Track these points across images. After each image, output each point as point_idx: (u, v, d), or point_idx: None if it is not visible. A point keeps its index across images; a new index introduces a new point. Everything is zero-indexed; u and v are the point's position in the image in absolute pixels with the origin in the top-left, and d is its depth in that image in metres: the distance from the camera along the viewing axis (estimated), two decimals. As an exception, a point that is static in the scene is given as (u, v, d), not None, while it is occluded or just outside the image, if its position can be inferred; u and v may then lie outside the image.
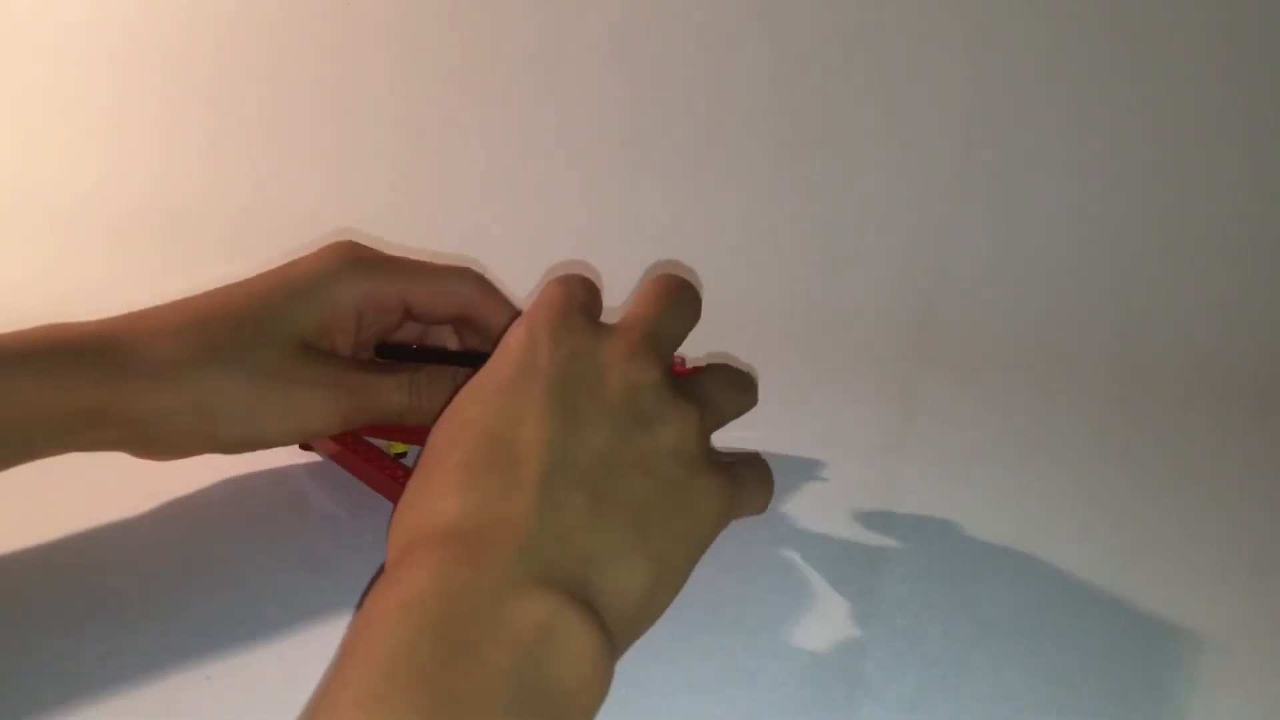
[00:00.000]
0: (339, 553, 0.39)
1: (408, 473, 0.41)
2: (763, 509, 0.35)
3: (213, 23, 0.83)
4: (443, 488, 0.28)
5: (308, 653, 0.33)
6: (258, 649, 0.33)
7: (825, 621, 0.36)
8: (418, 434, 0.42)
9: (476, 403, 0.30)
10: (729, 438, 0.37)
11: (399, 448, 0.44)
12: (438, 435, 0.30)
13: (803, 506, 0.45)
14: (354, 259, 0.39)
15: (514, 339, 0.31)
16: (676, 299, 0.34)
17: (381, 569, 0.28)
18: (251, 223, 0.77)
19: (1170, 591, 0.39)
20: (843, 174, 0.78)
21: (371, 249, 0.41)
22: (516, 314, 0.40)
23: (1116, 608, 0.38)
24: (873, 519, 0.44)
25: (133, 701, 0.30)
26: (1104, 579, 0.40)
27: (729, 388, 0.35)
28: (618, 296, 0.67)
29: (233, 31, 0.83)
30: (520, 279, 0.74)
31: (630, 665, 0.29)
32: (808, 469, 0.49)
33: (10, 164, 0.82)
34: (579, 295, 0.33)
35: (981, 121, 0.76)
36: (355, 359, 0.41)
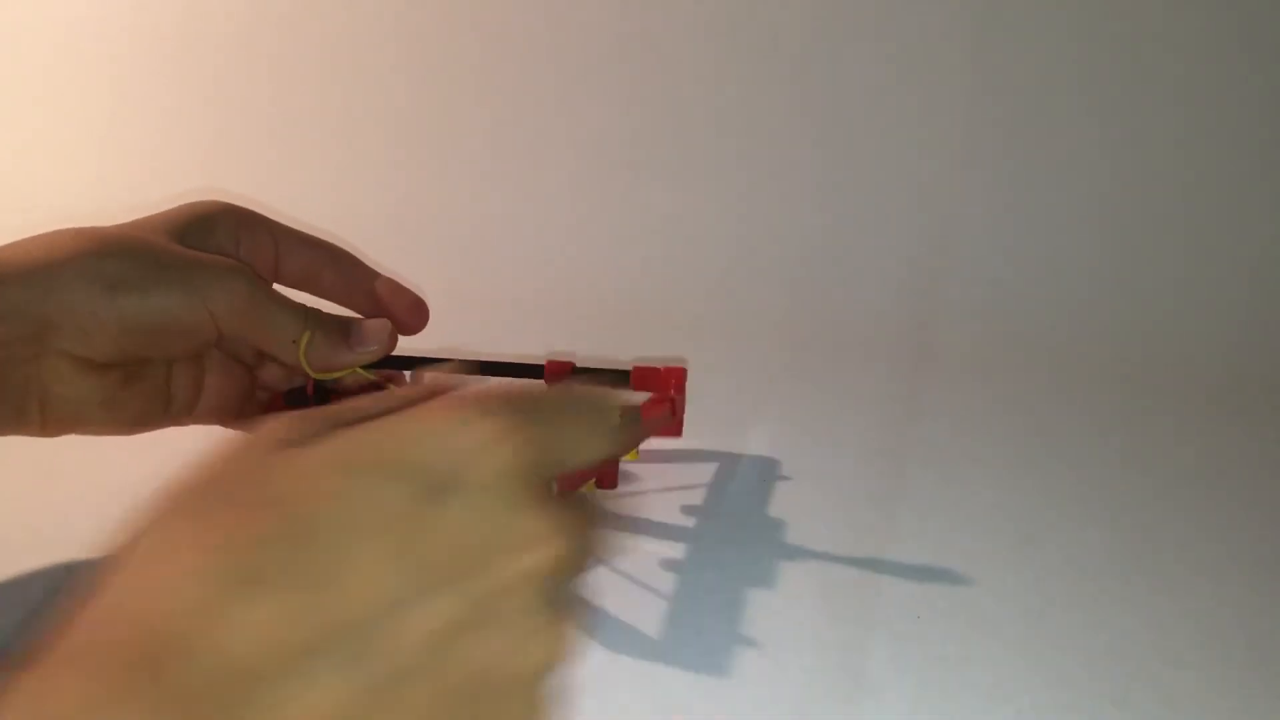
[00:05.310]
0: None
1: None
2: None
3: (211, 24, 0.82)
4: (204, 571, 0.17)
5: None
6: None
7: (826, 622, 0.36)
8: None
9: (309, 465, 0.19)
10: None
11: None
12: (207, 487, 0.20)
13: (804, 507, 0.45)
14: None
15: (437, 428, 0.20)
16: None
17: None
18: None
19: (1170, 591, 0.39)
20: (844, 175, 0.78)
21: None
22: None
23: (1117, 608, 0.38)
24: (874, 519, 0.44)
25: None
26: (1104, 579, 0.40)
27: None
28: (619, 295, 0.67)
29: (230, 33, 0.83)
30: (520, 277, 0.74)
31: (631, 665, 0.29)
32: (809, 469, 0.49)
33: (7, 164, 0.82)
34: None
35: (982, 123, 0.76)
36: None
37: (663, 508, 0.44)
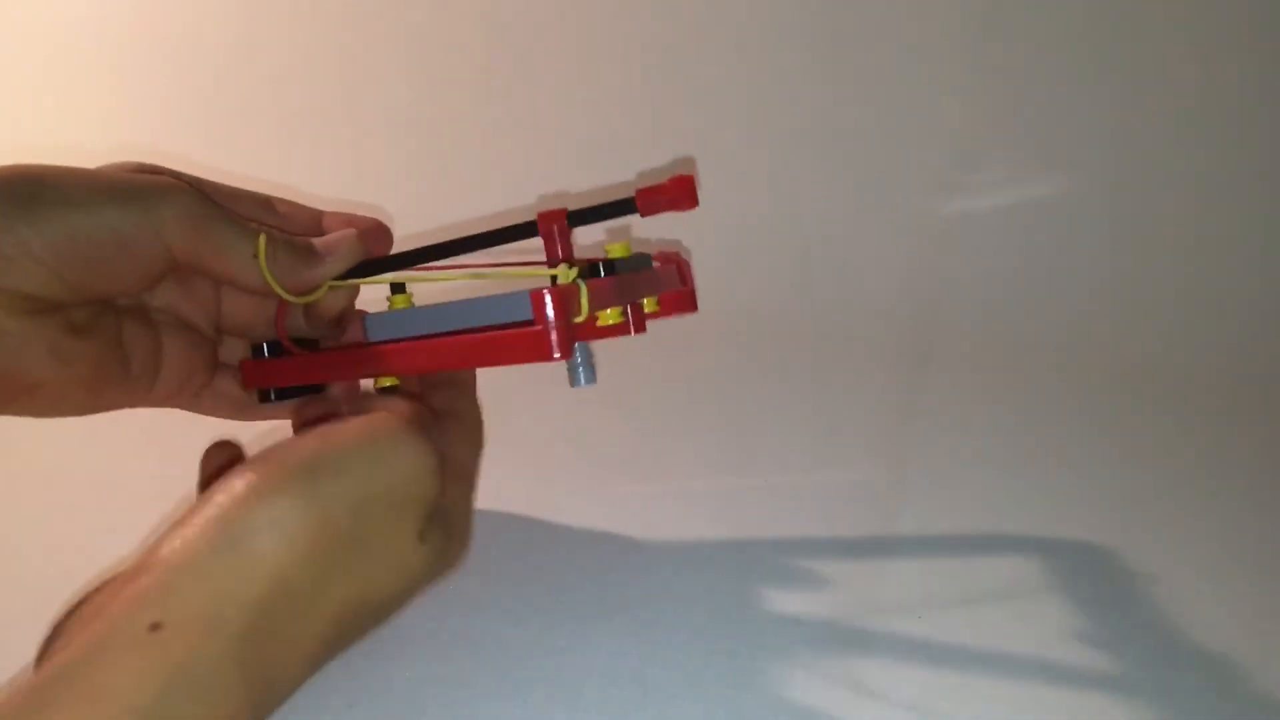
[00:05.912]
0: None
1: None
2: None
3: (211, 23, 0.82)
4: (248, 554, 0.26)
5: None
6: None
7: (827, 622, 0.36)
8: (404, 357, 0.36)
9: (358, 479, 0.29)
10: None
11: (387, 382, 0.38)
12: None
13: (805, 507, 0.45)
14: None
15: (427, 465, 0.31)
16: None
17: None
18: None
19: (1170, 591, 0.39)
20: (845, 174, 0.78)
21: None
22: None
23: (1117, 608, 0.38)
24: (875, 520, 0.44)
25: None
26: (1106, 579, 0.40)
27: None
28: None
29: (230, 31, 0.83)
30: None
31: (632, 666, 0.29)
32: (810, 469, 0.49)
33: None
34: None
35: (984, 123, 0.76)
36: None
37: (666, 505, 0.44)
